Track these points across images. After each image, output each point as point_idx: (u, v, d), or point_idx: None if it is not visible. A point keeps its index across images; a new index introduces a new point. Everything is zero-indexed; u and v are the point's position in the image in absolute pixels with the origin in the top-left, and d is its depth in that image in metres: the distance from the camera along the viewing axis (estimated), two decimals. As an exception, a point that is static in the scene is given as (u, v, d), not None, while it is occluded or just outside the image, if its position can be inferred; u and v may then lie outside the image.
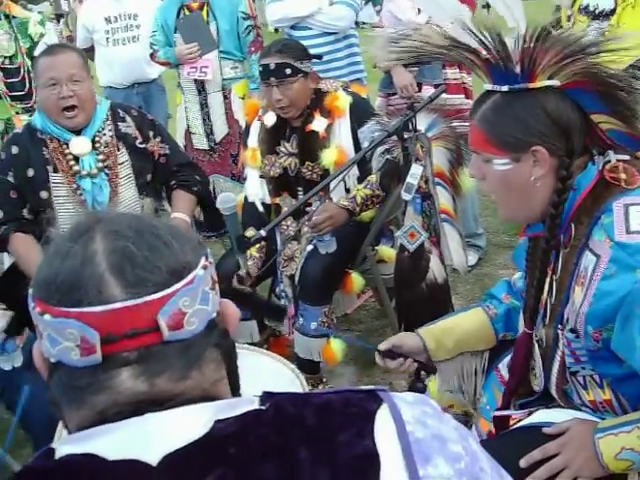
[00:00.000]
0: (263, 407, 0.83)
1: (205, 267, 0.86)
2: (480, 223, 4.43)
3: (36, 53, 3.94)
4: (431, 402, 0.90)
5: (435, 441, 0.83)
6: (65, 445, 0.81)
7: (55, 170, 2.93)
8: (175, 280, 0.83)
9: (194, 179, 3.18)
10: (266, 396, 0.85)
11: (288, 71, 2.99)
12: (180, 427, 0.79)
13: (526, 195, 1.63)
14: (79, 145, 2.92)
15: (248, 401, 0.84)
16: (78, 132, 2.94)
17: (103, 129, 2.97)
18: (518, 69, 1.56)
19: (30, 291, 0.86)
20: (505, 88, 1.59)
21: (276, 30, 4.48)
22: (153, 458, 0.77)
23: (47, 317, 0.81)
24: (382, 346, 2.05)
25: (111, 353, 0.80)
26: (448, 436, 0.84)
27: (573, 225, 1.61)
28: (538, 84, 1.56)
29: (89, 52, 4.65)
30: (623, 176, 1.57)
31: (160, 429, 0.79)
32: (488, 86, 1.64)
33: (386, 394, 0.87)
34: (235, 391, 0.92)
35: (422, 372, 2.11)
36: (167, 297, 0.81)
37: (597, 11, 3.43)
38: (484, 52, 1.59)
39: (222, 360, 0.88)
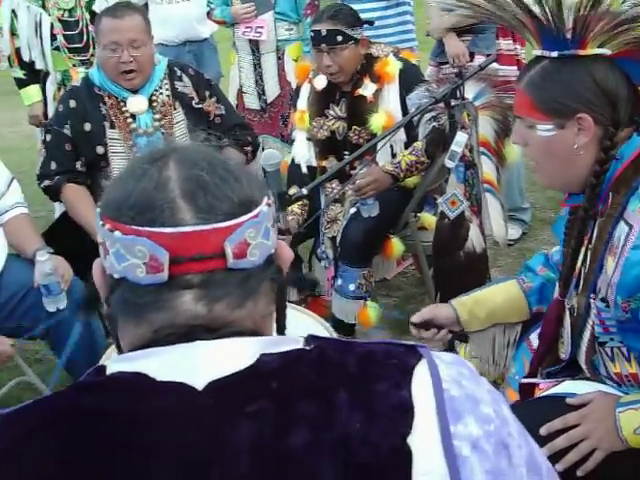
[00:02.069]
0: (307, 348, 0.87)
1: (269, 205, 0.90)
2: (526, 198, 4.39)
3: (95, 7, 4.00)
4: (468, 364, 0.91)
5: (468, 401, 0.85)
6: (116, 363, 0.85)
7: (112, 126, 3.00)
8: (243, 212, 0.86)
9: (246, 139, 3.23)
10: (311, 338, 0.89)
11: (339, 38, 3.01)
12: (227, 357, 0.83)
13: (568, 163, 1.62)
14: (136, 104, 2.99)
15: (293, 340, 0.88)
16: (136, 90, 3.00)
17: (160, 88, 3.04)
18: (569, 35, 1.55)
19: (98, 210, 0.89)
20: (555, 54, 1.57)
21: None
22: (199, 383, 0.81)
23: (117, 234, 0.84)
24: (415, 319, 2.06)
25: (176, 274, 0.83)
26: (481, 398, 0.86)
27: (611, 194, 1.59)
28: (589, 51, 1.54)
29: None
30: None
31: (208, 356, 0.82)
32: (537, 52, 1.62)
33: (426, 351, 0.89)
34: (281, 331, 0.95)
35: (455, 342, 2.12)
36: (235, 226, 0.85)
37: None
38: (537, 11, 1.58)
39: (274, 296, 0.91)
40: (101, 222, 0.87)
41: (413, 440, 0.80)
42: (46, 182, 3.06)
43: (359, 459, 0.79)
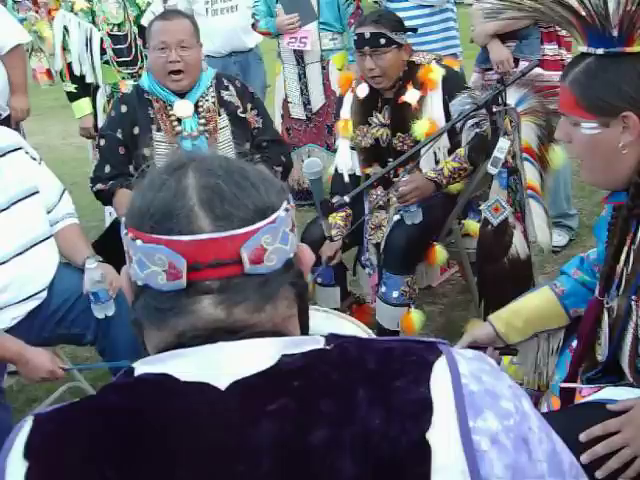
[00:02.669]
0: (328, 347, 0.89)
1: (287, 210, 0.92)
2: (573, 204, 4.34)
3: (143, 21, 4.09)
4: (490, 360, 0.92)
5: (487, 396, 0.86)
6: (144, 365, 0.88)
7: (158, 129, 3.10)
8: (259, 218, 0.88)
9: (279, 158, 3.29)
10: (332, 337, 0.91)
11: (382, 41, 3.02)
12: (249, 357, 0.85)
13: (612, 161, 1.60)
14: (182, 108, 3.09)
15: (315, 340, 0.90)
16: (182, 95, 3.10)
17: (206, 95, 3.13)
18: (616, 32, 1.54)
19: (123, 220, 0.93)
20: (600, 51, 1.57)
21: (376, 2, 4.43)
22: (222, 383, 0.83)
23: (139, 243, 0.88)
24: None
25: (195, 280, 0.86)
26: (501, 393, 0.87)
27: None
28: (635, 48, 1.53)
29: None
30: None
31: (231, 357, 0.85)
32: (583, 48, 1.61)
33: (446, 347, 0.90)
34: (304, 331, 0.97)
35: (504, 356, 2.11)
36: (251, 233, 0.87)
37: None
38: (583, 12, 1.57)
39: (294, 299, 0.93)
40: (125, 231, 0.91)
41: (432, 435, 0.82)
42: (99, 186, 3.16)
43: (379, 455, 0.80)
